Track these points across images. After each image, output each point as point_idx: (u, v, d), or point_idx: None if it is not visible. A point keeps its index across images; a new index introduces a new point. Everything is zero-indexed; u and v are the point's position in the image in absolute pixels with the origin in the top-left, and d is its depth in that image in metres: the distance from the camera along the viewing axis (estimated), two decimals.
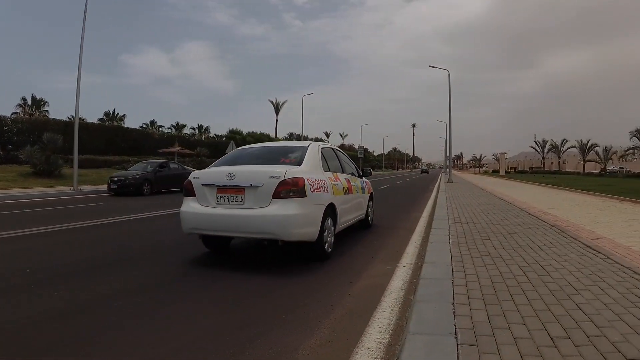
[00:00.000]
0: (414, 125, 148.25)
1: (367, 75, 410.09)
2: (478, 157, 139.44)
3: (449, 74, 32.02)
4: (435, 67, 33.45)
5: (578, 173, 61.06)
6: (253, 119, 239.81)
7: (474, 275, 4.05)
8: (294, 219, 4.86)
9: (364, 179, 8.24)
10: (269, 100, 78.35)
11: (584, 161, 65.60)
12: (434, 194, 19.11)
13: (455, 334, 2.63)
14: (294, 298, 3.94)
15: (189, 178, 5.51)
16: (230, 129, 56.53)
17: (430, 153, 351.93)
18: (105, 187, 17.83)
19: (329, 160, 6.46)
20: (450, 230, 6.86)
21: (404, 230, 8.18)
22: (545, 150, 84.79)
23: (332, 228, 5.79)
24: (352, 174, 7.53)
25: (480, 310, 3.07)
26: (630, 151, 58.10)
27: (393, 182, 33.27)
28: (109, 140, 34.02)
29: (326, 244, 5.47)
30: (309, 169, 5.48)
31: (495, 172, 77.46)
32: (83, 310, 3.57)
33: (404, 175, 65.73)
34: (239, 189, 5.04)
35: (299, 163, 5.51)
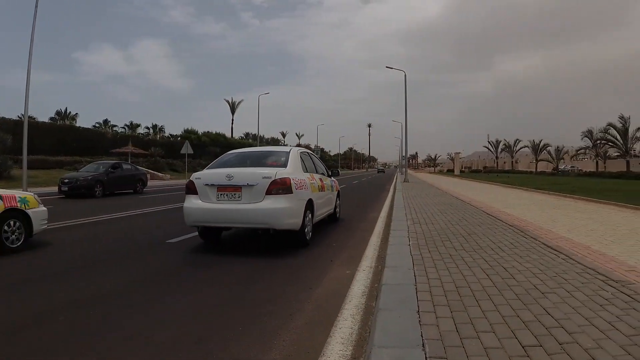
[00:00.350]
0: (369, 126, 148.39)
1: (324, 75, 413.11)
2: (433, 156, 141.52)
3: (405, 75, 32.49)
4: (391, 68, 33.89)
5: (531, 172, 63.31)
6: (209, 118, 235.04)
7: (437, 280, 3.90)
8: (284, 211, 5.78)
9: (332, 178, 9.23)
10: (224, 99, 77.37)
11: (537, 160, 67.90)
12: (390, 193, 19.23)
13: (423, 345, 2.45)
14: (252, 307, 3.72)
15: (191, 179, 6.30)
16: (186, 128, 55.70)
17: (386, 153, 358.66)
18: (55, 189, 16.99)
19: (306, 162, 7.43)
20: (409, 232, 6.75)
21: (362, 231, 8.10)
22: (499, 150, 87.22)
23: (311, 219, 6.70)
24: (323, 174, 8.45)
25: (446, 318, 2.91)
26: (582, 151, 60.20)
27: (350, 182, 33.16)
28: (60, 140, 32.53)
29: (306, 233, 6.39)
30: (293, 170, 6.39)
31: (450, 172, 79.07)
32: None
33: (360, 175, 66.20)
34: (236, 188, 5.87)
35: (285, 165, 6.42)
